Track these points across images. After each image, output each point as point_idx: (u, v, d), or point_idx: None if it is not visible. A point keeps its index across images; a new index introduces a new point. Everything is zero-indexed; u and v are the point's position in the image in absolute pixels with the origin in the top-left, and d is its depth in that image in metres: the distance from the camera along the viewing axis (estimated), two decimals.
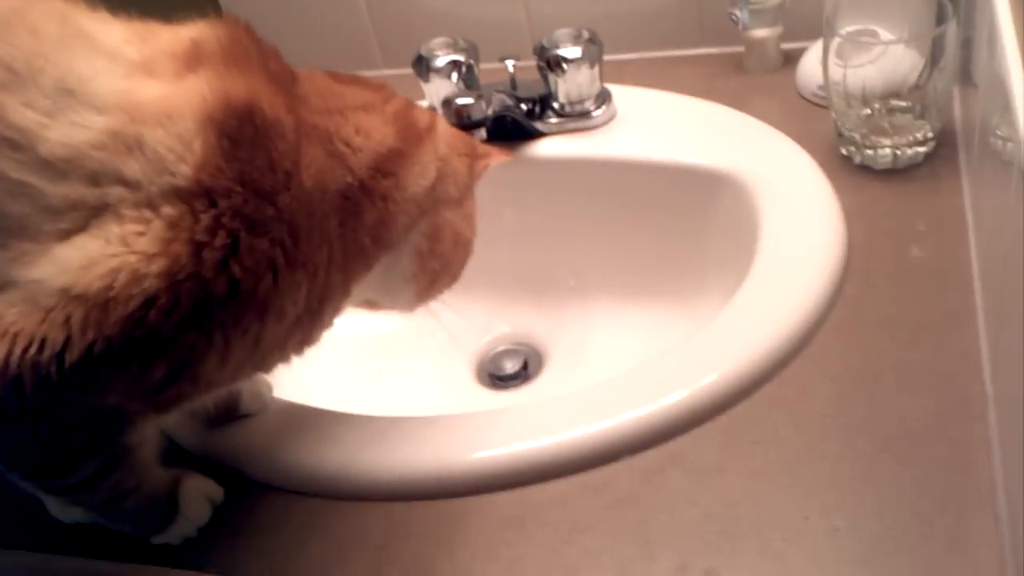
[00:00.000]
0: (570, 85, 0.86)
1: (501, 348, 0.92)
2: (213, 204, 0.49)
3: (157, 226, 0.48)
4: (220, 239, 0.49)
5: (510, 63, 0.87)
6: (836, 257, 0.71)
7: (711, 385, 0.64)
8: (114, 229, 0.48)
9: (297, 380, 0.77)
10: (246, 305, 0.52)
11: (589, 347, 0.88)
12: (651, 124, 0.87)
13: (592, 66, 0.85)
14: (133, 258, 0.48)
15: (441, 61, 0.86)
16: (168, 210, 0.48)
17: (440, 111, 0.84)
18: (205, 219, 0.49)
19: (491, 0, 1.01)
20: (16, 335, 0.47)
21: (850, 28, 0.77)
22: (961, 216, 0.73)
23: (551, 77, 0.86)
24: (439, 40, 0.88)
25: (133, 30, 0.54)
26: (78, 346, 0.48)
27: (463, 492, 0.63)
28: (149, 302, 0.48)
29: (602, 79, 0.87)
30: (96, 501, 0.60)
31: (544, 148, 0.88)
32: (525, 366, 0.89)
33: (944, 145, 0.79)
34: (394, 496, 0.64)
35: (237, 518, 0.64)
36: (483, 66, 0.89)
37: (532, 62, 0.87)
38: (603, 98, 0.87)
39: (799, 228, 0.74)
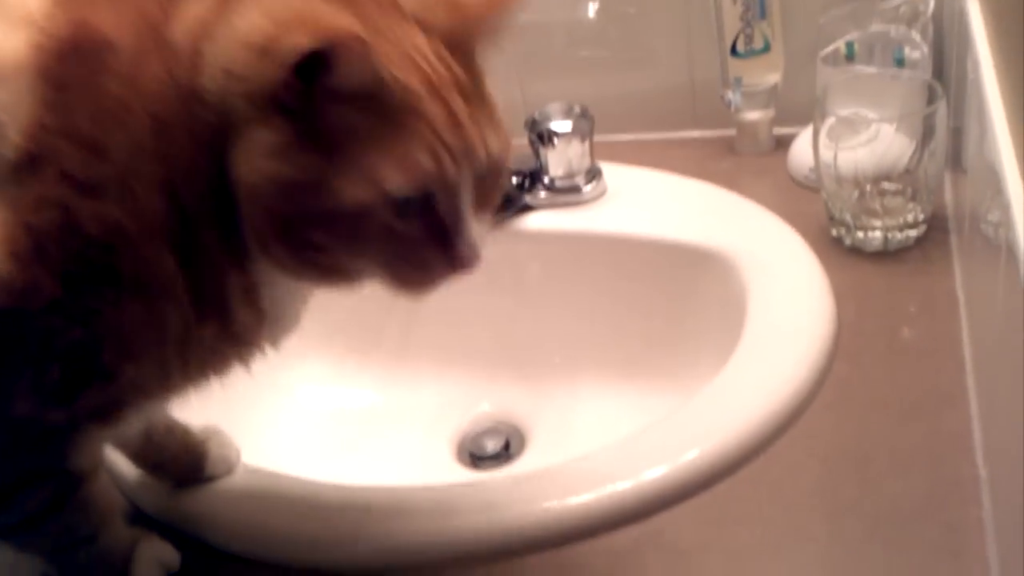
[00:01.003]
0: (560, 159, 0.85)
1: (483, 427, 0.89)
2: (37, 174, 0.44)
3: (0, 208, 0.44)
4: (45, 214, 0.44)
5: None
6: (825, 335, 0.69)
7: (693, 461, 0.61)
8: None
9: (269, 452, 0.75)
10: (117, 284, 0.46)
11: (573, 426, 0.85)
12: (641, 201, 0.87)
13: (583, 140, 0.85)
14: None
15: None
16: (8, 188, 0.44)
17: None
18: (29, 195, 0.44)
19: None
20: None
21: (842, 111, 0.76)
22: (953, 298, 0.71)
23: (542, 151, 0.85)
24: None
25: None
26: None
27: (430, 565, 0.60)
28: (5, 291, 0.44)
29: (593, 155, 0.87)
30: (46, 548, 0.56)
31: (533, 222, 0.87)
32: (507, 446, 0.87)
33: (935, 229, 0.78)
34: (360, 567, 0.61)
35: None
36: None
37: (524, 139, 0.87)
38: (593, 174, 0.87)
39: (787, 306, 0.72)
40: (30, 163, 0.44)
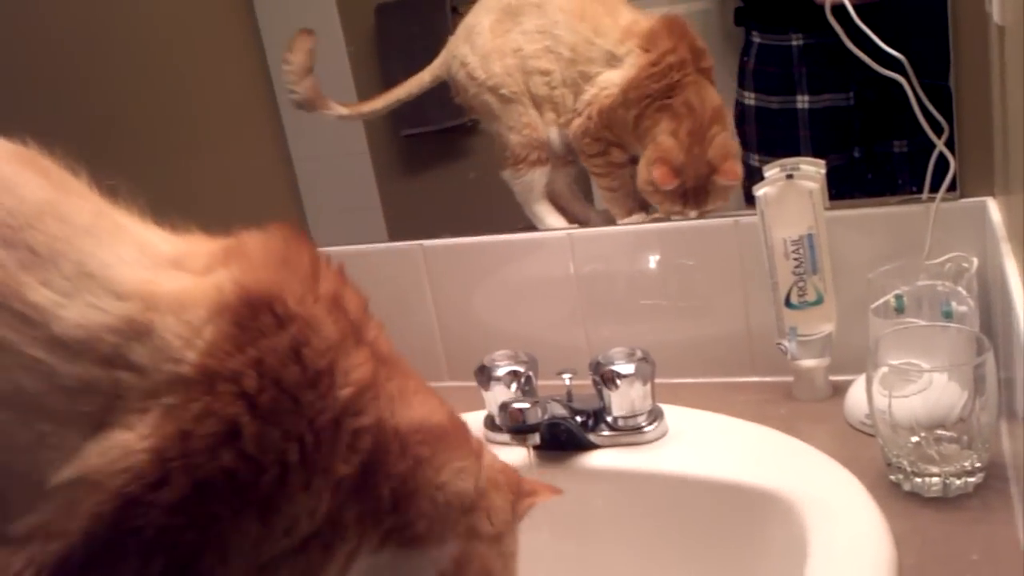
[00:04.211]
0: (623, 400, 0.89)
1: None
2: (212, 390, 0.49)
3: (156, 412, 0.49)
4: (209, 426, 0.49)
5: (567, 376, 0.91)
6: None
7: None
8: (121, 417, 0.49)
9: None
10: (246, 498, 0.49)
11: None
12: (702, 442, 0.89)
13: (644, 383, 0.89)
14: (129, 435, 0.48)
15: (502, 370, 0.92)
16: (169, 399, 0.49)
17: (497, 415, 0.88)
18: (196, 407, 0.49)
19: (554, 324, 1.08)
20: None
21: (894, 361, 0.80)
22: (1015, 547, 0.71)
23: (605, 392, 0.90)
24: (501, 352, 0.94)
25: (177, 233, 0.56)
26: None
27: None
28: (139, 479, 0.48)
29: (654, 397, 0.91)
30: None
31: (596, 460, 0.90)
32: None
33: (994, 476, 0.79)
34: None
35: None
36: (542, 382, 0.94)
37: (588, 380, 0.92)
38: (655, 415, 0.91)
39: (848, 552, 0.73)
40: (205, 380, 0.49)
